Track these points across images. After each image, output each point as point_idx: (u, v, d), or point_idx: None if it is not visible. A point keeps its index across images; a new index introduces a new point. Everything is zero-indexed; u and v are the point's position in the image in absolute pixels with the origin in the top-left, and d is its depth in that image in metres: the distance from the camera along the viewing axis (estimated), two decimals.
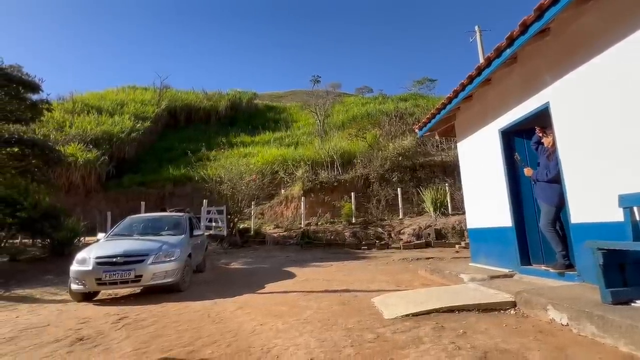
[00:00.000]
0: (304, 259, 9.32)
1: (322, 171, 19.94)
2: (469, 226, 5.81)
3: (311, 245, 11.71)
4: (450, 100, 5.22)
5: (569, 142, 3.64)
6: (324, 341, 2.73)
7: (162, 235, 5.95)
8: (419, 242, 11.23)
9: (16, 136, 11.95)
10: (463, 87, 4.74)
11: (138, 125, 24.37)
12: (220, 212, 12.26)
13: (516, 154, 4.48)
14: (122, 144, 22.47)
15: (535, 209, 4.35)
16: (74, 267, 4.77)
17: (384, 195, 17.18)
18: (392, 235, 12.25)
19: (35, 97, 13.61)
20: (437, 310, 3.35)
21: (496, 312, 3.30)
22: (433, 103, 32.55)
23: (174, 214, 6.88)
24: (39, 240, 9.54)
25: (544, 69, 3.92)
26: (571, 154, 3.61)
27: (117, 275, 4.67)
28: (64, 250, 9.25)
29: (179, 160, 23.63)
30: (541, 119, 4.12)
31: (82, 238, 10.51)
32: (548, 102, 3.86)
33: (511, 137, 4.73)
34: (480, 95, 5.06)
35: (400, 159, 19.20)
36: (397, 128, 24.79)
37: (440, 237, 11.60)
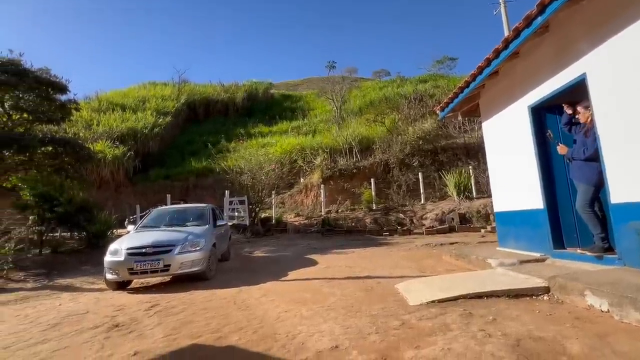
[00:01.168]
0: (325, 246, 9.36)
1: (341, 158, 19.79)
2: (495, 209, 5.57)
3: (332, 233, 11.73)
4: (474, 77, 4.94)
5: (609, 116, 3.34)
6: (349, 328, 2.72)
7: (187, 226, 6.12)
8: (442, 227, 10.98)
9: (49, 136, 12.58)
10: (488, 62, 4.45)
11: (160, 120, 25.04)
12: (242, 202, 12.49)
13: (549, 131, 4.19)
14: (146, 139, 23.21)
15: (570, 190, 4.09)
16: (108, 258, 5.01)
17: (405, 181, 16.86)
18: (414, 220, 12.04)
19: (63, 97, 14.25)
20: (464, 297, 3.25)
21: (528, 298, 3.16)
22: (454, 83, 31.26)
23: (197, 205, 7.05)
24: (76, 233, 10.09)
25: (580, 37, 3.59)
26: (611, 129, 3.32)
27: (147, 265, 4.87)
28: (99, 242, 9.77)
29: (200, 153, 24.18)
30: (575, 92, 3.82)
31: (114, 230, 11.07)
32: (584, 73, 3.55)
33: (542, 114, 4.42)
34: (507, 70, 4.74)
35: (420, 143, 18.70)
36: (416, 111, 24.07)
37: (465, 222, 11.29)
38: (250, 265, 7.03)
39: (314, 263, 6.59)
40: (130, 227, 6.27)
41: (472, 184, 13.30)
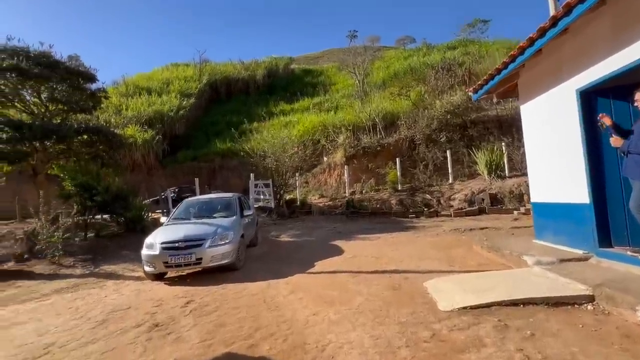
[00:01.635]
0: (350, 230, 9.37)
1: (364, 136, 19.33)
2: (533, 199, 5.23)
3: (356, 215, 11.71)
4: (513, 58, 4.45)
5: None
6: (378, 339, 2.70)
7: (215, 217, 6.29)
8: (471, 208, 10.61)
9: (83, 125, 13.16)
10: (532, 41, 3.97)
11: (184, 102, 25.41)
12: (267, 186, 12.65)
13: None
14: (172, 122, 23.76)
15: (622, 184, 3.71)
16: (145, 252, 5.29)
17: (432, 158, 16.28)
18: (442, 201, 11.71)
19: (93, 87, 14.70)
20: (498, 304, 3.12)
21: (569, 307, 2.98)
22: (486, 48, 28.95)
23: (224, 195, 7.20)
24: (115, 216, 10.70)
25: None
26: None
27: (180, 258, 5.10)
28: (136, 227, 10.37)
29: (224, 133, 24.49)
30: (634, 76, 3.34)
31: (149, 213, 11.68)
32: None
33: (593, 98, 3.95)
34: (552, 48, 4.22)
35: (448, 117, 17.78)
36: (444, 82, 22.71)
37: (496, 203, 10.83)
38: (277, 252, 7.20)
39: (339, 251, 6.62)
40: (163, 219, 6.53)
41: (505, 162, 12.60)
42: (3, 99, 12.74)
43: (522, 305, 3.08)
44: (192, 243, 5.21)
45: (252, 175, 13.67)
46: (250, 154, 13.40)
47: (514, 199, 10.66)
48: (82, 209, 9.42)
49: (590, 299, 2.99)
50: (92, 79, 14.12)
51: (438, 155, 16.57)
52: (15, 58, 12.13)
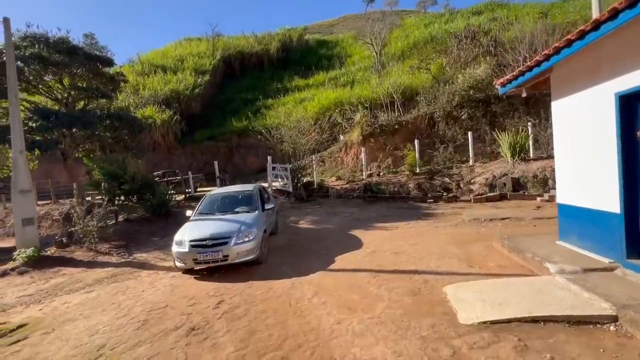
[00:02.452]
0: (367, 217, 9.49)
1: (381, 113, 18.87)
2: (559, 200, 5.10)
3: (374, 199, 11.76)
4: (547, 57, 4.16)
5: None
6: (400, 355, 2.87)
7: (237, 212, 6.51)
8: (492, 194, 10.43)
9: (105, 111, 13.48)
10: (569, 43, 3.68)
11: (199, 80, 25.29)
12: (284, 169, 12.79)
13: None
14: (188, 100, 23.86)
15: None
16: (175, 248, 5.61)
17: (452, 136, 15.83)
18: (461, 185, 11.55)
19: (111, 70, 14.81)
20: (518, 320, 3.20)
21: (590, 327, 3.02)
22: (515, 13, 26.80)
23: (245, 188, 7.38)
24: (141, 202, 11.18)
25: None
26: None
27: (208, 255, 5.39)
28: (162, 210, 10.88)
29: (239, 111, 24.46)
30: None
31: (173, 196, 12.15)
32: None
33: (634, 104, 3.70)
34: (591, 47, 3.91)
35: (471, 92, 16.96)
36: (468, 52, 21.42)
37: (519, 187, 10.58)
38: (297, 243, 7.44)
39: (358, 244, 6.78)
40: (189, 213, 6.82)
41: (530, 144, 12.10)
42: (28, 86, 13.12)
43: (542, 323, 3.15)
44: (218, 241, 5.47)
45: (269, 158, 13.80)
46: (267, 137, 13.43)
47: (537, 184, 10.37)
48: (111, 197, 9.92)
49: (614, 319, 3.02)
50: (110, 63, 14.23)
51: (458, 133, 16.08)
52: (37, 46, 12.32)
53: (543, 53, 4.22)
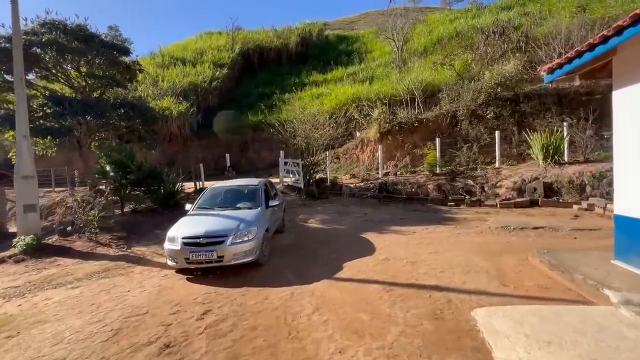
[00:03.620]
0: (382, 219, 8.69)
1: (401, 110, 17.86)
2: (618, 211, 4.15)
3: (390, 200, 10.93)
4: (604, 39, 3.24)
5: None
6: None
7: (239, 208, 5.89)
8: (521, 199, 9.38)
9: (119, 100, 13.23)
10: (635, 20, 2.78)
11: (217, 73, 25.01)
12: (296, 165, 12.13)
13: None
14: (205, 93, 23.61)
15: None
16: (167, 245, 5.05)
17: (475, 136, 14.70)
18: (486, 188, 10.52)
19: (128, 59, 14.57)
20: None
21: None
22: (549, 7, 24.94)
23: (249, 183, 6.75)
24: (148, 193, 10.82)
25: None
26: None
27: (201, 255, 4.79)
28: (169, 202, 10.48)
29: (256, 105, 24.01)
30: None
31: (182, 186, 11.72)
32: None
33: None
34: None
35: (498, 89, 15.72)
36: (495, 48, 20.02)
37: (551, 194, 9.48)
38: (304, 244, 6.76)
39: (370, 249, 6.02)
40: (188, 206, 6.26)
41: (565, 146, 10.88)
42: (48, 73, 13.03)
43: None
44: (213, 240, 4.86)
45: (281, 152, 13.19)
46: (279, 131, 12.79)
47: (573, 190, 9.24)
48: (118, 186, 9.57)
49: None
50: (126, 51, 13.96)
51: (483, 132, 14.93)
52: (54, 32, 12.15)
53: (600, 34, 3.31)
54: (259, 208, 5.87)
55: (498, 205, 9.34)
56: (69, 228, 8.27)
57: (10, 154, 13.64)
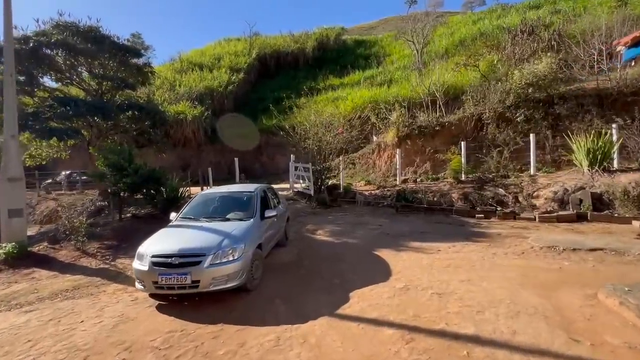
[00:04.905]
0: (400, 232, 7.45)
1: (421, 113, 16.51)
2: None
3: (408, 209, 9.65)
4: None
5: None
6: None
7: (228, 220, 4.88)
8: (565, 212, 7.87)
9: (127, 102, 12.74)
10: None
11: (233, 77, 24.60)
12: (306, 170, 11.10)
13: None
14: (221, 97, 23.19)
15: None
16: (135, 264, 4.10)
17: (503, 141, 13.15)
18: (520, 199, 9.05)
19: (140, 62, 14.15)
20: None
21: None
22: (583, 4, 22.91)
23: (244, 189, 5.74)
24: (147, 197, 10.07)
25: None
26: None
27: (173, 279, 3.80)
28: (172, 207, 9.68)
29: (270, 110, 23.33)
30: None
31: (187, 190, 10.89)
32: None
33: None
34: None
35: (530, 90, 14.14)
36: (524, 48, 18.32)
37: (601, 206, 7.92)
38: (307, 261, 5.66)
39: (385, 273, 4.84)
40: (173, 215, 5.33)
41: (615, 151, 9.23)
42: (62, 76, 12.75)
43: None
44: (188, 259, 3.86)
45: (292, 156, 12.22)
46: (290, 133, 11.82)
47: (630, 203, 7.63)
48: (116, 190, 8.87)
49: None
50: (137, 53, 13.54)
51: (511, 137, 13.35)
52: (65, 33, 11.84)
53: None
54: (252, 219, 4.84)
55: (537, 219, 7.87)
56: (62, 235, 7.59)
57: (24, 156, 13.42)
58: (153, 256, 3.94)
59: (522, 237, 6.58)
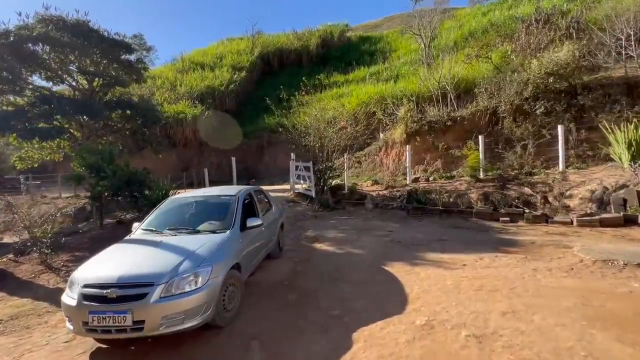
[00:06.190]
0: (413, 240, 6.26)
1: (430, 108, 15.22)
2: None
3: (421, 212, 8.43)
4: None
5: None
6: None
7: (198, 232, 3.78)
8: (609, 215, 6.55)
9: (115, 99, 11.81)
10: None
11: (235, 76, 23.65)
12: (307, 169, 9.97)
13: None
14: (222, 96, 22.24)
15: None
16: (64, 296, 3.02)
17: (521, 136, 11.79)
18: (550, 199, 7.76)
19: (131, 57, 13.21)
20: None
21: None
22: None
23: (223, 193, 4.62)
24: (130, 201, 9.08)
25: None
26: None
27: (108, 319, 2.70)
28: None
29: (273, 108, 22.30)
30: None
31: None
32: None
33: None
34: None
35: (550, 80, 12.74)
36: (540, 38, 16.83)
37: None
38: (301, 279, 4.53)
39: (399, 300, 3.67)
40: (135, 225, 4.26)
41: None
42: (51, 75, 11.89)
43: None
44: (129, 291, 2.76)
45: (292, 155, 11.12)
46: (289, 130, 10.70)
47: None
48: (95, 194, 7.88)
49: None
50: (128, 48, 12.60)
51: (531, 131, 12.00)
52: (50, 27, 10.96)
53: None
54: (228, 232, 3.72)
55: (575, 223, 6.59)
56: (35, 246, 6.62)
57: (13, 159, 12.65)
58: (85, 286, 2.86)
59: (564, 246, 5.33)
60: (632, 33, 12.50)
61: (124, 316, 2.68)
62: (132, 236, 3.96)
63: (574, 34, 15.96)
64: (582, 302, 3.35)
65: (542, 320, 3.03)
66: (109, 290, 2.75)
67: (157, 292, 2.76)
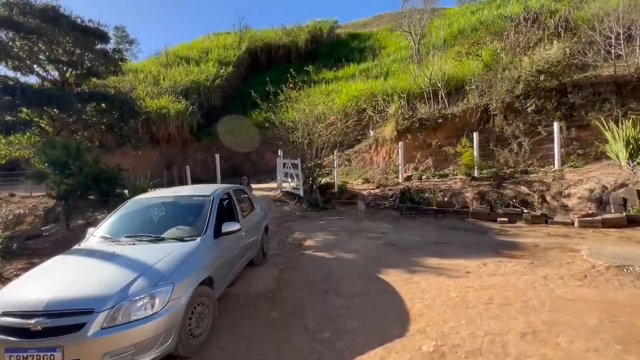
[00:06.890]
0: (409, 242, 5.76)
1: (421, 105, 14.83)
2: None
3: (415, 212, 7.96)
4: None
5: None
6: None
7: (163, 240, 3.14)
8: (612, 215, 6.22)
9: (87, 91, 10.87)
10: None
11: (222, 71, 22.70)
12: (295, 167, 9.36)
13: None
14: (208, 91, 21.29)
15: None
16: None
17: (512, 134, 11.52)
18: (548, 198, 7.42)
19: (106, 46, 12.24)
20: None
21: None
22: None
23: (196, 193, 3.97)
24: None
25: None
26: None
27: (30, 357, 2.05)
28: None
29: (261, 104, 21.54)
30: None
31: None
32: None
33: None
34: None
35: (541, 78, 12.53)
36: (528, 37, 16.68)
37: None
38: (287, 291, 3.95)
39: (400, 318, 3.13)
40: (90, 230, 3.57)
41: None
42: (19, 64, 10.83)
43: None
44: (60, 321, 2.12)
45: (280, 152, 10.49)
46: (276, 125, 10.06)
47: None
48: (63, 193, 7.06)
49: None
50: (102, 36, 11.61)
51: (522, 129, 11.77)
52: (14, 10, 9.94)
53: None
54: (199, 239, 3.10)
55: (576, 224, 6.24)
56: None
57: None
58: (3, 314, 2.19)
59: (570, 249, 4.92)
60: (621, 32, 12.37)
61: (52, 355, 2.03)
62: (82, 245, 3.29)
63: (563, 33, 15.87)
64: (608, 319, 2.90)
65: (570, 344, 2.54)
66: (33, 321, 2.10)
67: (97, 322, 2.12)
